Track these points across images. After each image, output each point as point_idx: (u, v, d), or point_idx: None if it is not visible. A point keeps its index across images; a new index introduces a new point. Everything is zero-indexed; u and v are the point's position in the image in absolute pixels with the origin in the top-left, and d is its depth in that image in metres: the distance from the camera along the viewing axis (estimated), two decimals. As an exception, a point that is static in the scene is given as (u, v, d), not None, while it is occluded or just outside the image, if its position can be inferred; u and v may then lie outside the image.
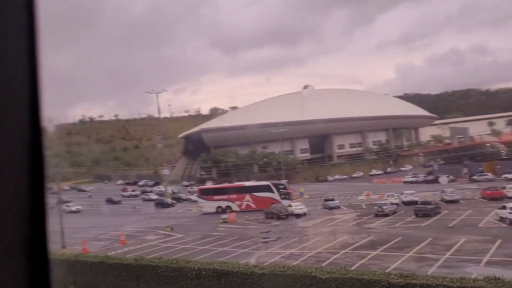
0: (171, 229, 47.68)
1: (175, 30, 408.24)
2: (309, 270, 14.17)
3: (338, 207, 57.37)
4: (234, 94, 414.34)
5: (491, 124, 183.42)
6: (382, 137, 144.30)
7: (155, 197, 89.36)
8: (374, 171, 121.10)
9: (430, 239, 33.36)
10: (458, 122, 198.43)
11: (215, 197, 64.69)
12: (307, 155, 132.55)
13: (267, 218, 54.48)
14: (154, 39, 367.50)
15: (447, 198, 53.15)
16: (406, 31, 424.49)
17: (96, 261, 20.36)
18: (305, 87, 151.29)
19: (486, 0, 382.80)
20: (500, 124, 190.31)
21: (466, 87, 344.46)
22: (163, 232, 49.29)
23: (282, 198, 60.96)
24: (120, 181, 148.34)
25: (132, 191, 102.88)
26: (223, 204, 63.36)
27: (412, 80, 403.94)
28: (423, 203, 46.52)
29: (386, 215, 46.55)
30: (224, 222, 53.23)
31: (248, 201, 62.49)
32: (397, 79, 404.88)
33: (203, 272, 16.04)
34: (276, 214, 53.04)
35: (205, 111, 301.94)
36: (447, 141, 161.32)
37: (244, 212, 60.40)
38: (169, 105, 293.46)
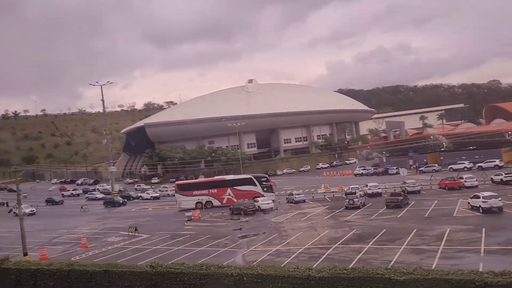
0: (135, 230, 44.55)
1: (105, 22, 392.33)
2: (380, 272, 12.75)
3: (304, 201, 56.79)
4: (167, 89, 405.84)
5: (423, 118, 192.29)
6: (326, 131, 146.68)
7: (101, 196, 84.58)
8: (321, 165, 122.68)
9: (415, 230, 33.32)
10: (393, 116, 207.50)
11: (194, 192, 61.95)
12: (254, 150, 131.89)
13: (233, 214, 52.75)
14: (83, 31, 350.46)
15: (409, 189, 54.23)
16: (336, 29, 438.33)
17: (99, 270, 17.63)
18: (250, 81, 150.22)
19: (410, 1, 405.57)
20: (431, 118, 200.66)
21: (396, 83, 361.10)
22: (124, 233, 46.04)
23: (265, 191, 59.60)
24: (55, 180, 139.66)
25: (73, 190, 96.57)
26: (203, 199, 61.07)
27: (342, 77, 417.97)
28: (393, 194, 46.89)
29: (357, 207, 46.47)
30: (189, 220, 50.83)
31: (229, 195, 60.44)
32: (328, 75, 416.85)
33: (245, 278, 14.13)
34: (243, 210, 51.43)
35: (139, 106, 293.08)
36: (384, 134, 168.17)
37: (223, 207, 58.43)
38: (102, 100, 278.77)
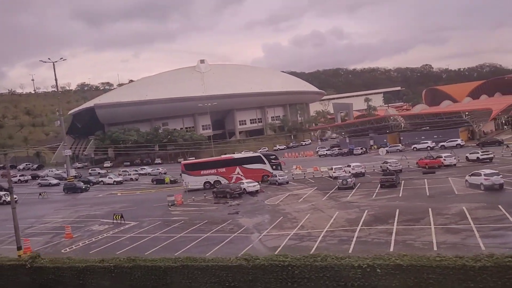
0: (121, 217, 41.07)
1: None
2: (460, 261, 11.36)
3: (287, 182, 55.46)
4: (99, 69, 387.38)
5: (367, 100, 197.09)
6: (280, 112, 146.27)
7: (55, 181, 78.59)
8: (278, 146, 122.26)
9: (430, 209, 32.94)
10: (338, 98, 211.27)
11: (202, 172, 59.65)
12: (209, 132, 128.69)
13: (217, 197, 50.37)
14: (5, 5, 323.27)
15: (391, 168, 54.49)
16: (273, 12, 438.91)
17: (175, 265, 14.87)
18: (201, 61, 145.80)
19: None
20: (374, 101, 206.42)
21: (335, 67, 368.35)
22: (108, 220, 42.41)
23: (274, 169, 58.89)
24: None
25: (21, 176, 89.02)
26: (211, 178, 58.81)
27: (278, 59, 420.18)
28: (386, 174, 46.66)
29: (351, 188, 45.78)
30: (172, 205, 47.85)
31: (238, 174, 58.51)
32: (265, 58, 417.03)
33: (378, 270, 12.17)
34: (228, 193, 49.19)
35: (72, 86, 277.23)
36: (331, 116, 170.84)
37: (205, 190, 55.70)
38: (32, 80, 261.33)
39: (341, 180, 46.24)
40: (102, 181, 73.84)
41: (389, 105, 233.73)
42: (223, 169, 59.55)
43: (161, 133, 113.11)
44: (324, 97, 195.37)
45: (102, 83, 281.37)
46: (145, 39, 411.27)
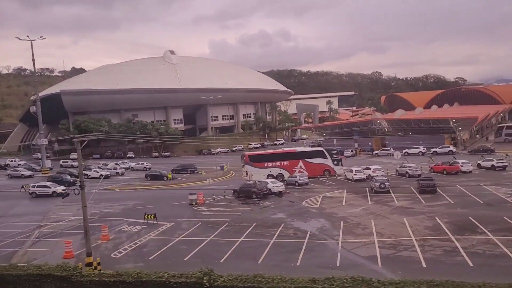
0: (154, 217, 36.69)
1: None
2: None
3: (307, 183, 52.83)
4: (34, 53, 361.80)
5: (329, 102, 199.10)
6: (251, 110, 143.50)
7: (28, 173, 71.27)
8: (253, 144, 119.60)
9: (504, 217, 31.74)
10: (301, 98, 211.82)
11: (266, 164, 57.87)
12: (181, 126, 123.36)
13: (239, 197, 46.81)
14: None
15: (411, 172, 53.51)
16: (222, 8, 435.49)
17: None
18: (171, 52, 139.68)
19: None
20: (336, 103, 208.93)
21: (280, 68, 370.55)
22: (135, 220, 37.82)
23: (335, 164, 58.50)
24: None
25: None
26: (275, 171, 57.12)
27: (225, 57, 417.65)
28: (424, 178, 45.18)
29: (387, 191, 44.02)
30: (195, 204, 43.82)
31: (300, 167, 57.39)
32: (211, 55, 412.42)
33: None
34: (255, 193, 45.82)
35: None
36: (294, 116, 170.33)
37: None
38: (32, 59, 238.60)
39: (378, 184, 44.27)
40: (86, 174, 67.20)
41: (353, 109, 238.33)
42: (287, 162, 58.23)
43: (134, 125, 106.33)
44: (296, 97, 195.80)
45: (42, 69, 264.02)
46: (85, 26, 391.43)
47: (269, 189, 47.00)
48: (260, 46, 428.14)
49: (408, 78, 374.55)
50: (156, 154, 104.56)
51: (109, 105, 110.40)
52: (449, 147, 78.18)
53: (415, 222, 32.43)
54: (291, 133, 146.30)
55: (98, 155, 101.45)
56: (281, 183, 48.77)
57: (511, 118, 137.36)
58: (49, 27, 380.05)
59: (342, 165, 59.71)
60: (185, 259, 26.87)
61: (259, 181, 48.32)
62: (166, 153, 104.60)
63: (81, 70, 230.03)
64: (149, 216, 36.78)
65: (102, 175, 66.34)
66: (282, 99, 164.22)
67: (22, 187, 57.03)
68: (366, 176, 53.06)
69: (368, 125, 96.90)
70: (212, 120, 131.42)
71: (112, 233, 33.76)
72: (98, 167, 73.03)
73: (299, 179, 52.51)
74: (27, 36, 71.88)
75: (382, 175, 50.58)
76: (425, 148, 79.70)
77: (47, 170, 72.82)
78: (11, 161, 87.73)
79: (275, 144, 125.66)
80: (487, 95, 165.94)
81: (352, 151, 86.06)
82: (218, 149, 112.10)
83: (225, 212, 40.21)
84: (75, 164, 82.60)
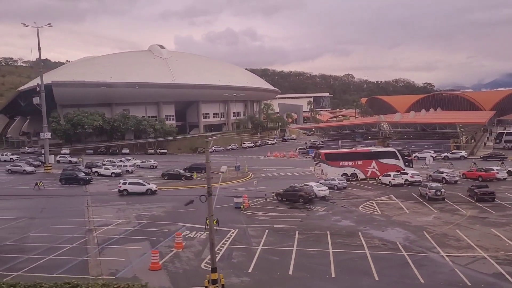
0: (217, 222, 33.92)
1: None
2: None
3: (345, 187, 51.08)
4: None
5: (310, 103, 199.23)
6: (240, 108, 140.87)
7: (30, 168, 66.49)
8: (247, 144, 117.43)
9: None
10: (284, 98, 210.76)
11: (341, 163, 56.95)
12: (172, 123, 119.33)
13: (282, 200, 44.45)
14: None
15: (448, 179, 52.66)
16: (191, 4, 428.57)
17: None
18: (161, 46, 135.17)
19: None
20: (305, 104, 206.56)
21: (247, 66, 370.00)
22: (194, 225, 34.91)
23: (406, 166, 57.47)
24: None
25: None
26: (349, 170, 57.01)
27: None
28: (480, 186, 44.08)
29: (443, 199, 42.76)
30: (243, 208, 41.21)
31: (373, 168, 56.81)
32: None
33: None
34: (302, 197, 43.63)
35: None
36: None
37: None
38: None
39: (433, 191, 42.91)
40: (96, 172, 63.03)
41: (330, 110, 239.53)
42: (360, 162, 57.56)
43: (130, 120, 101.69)
44: (281, 96, 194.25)
45: (5, 58, 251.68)
46: (49, 16, 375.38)
47: (315, 193, 44.96)
48: (227, 44, 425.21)
49: (379, 82, 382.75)
50: (152, 151, 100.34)
51: (101, 98, 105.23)
52: (460, 152, 78.44)
53: (507, 234, 31.09)
54: (280, 133, 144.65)
55: (92, 151, 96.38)
56: (326, 187, 46.75)
57: (499, 125, 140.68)
58: (10, 15, 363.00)
59: (412, 167, 58.85)
60: (290, 273, 24.45)
61: (305, 184, 46.16)
62: (162, 151, 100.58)
63: (48, 61, 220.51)
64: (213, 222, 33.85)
65: (114, 173, 62.44)
66: (269, 98, 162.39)
67: (36, 184, 52.46)
68: (404, 181, 51.93)
69: (373, 128, 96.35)
70: (203, 117, 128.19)
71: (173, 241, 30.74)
72: (106, 164, 68.72)
73: (338, 183, 50.67)
74: (34, 22, 66.82)
75: (437, 182, 49.22)
76: (436, 153, 79.59)
77: (50, 166, 67.90)
78: (2, 154, 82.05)
79: (267, 144, 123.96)
80: (468, 101, 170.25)
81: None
82: (213, 148, 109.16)
83: (282, 218, 37.75)
84: (73, 159, 78.11)
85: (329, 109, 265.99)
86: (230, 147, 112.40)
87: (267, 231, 33.19)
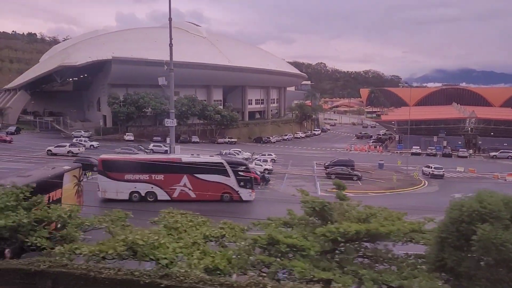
0: None
1: None
2: None
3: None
4: None
5: (311, 92, 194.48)
6: (275, 95, 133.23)
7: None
8: (300, 133, 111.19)
9: None
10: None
11: (129, 176, 38.47)
12: (219, 108, 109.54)
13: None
14: None
15: None
16: None
17: None
18: (196, 24, 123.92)
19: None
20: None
21: None
22: None
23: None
24: None
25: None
26: (143, 188, 38.44)
27: None
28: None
29: None
30: None
31: (184, 185, 38.99)
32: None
33: None
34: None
35: None
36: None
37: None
38: None
39: None
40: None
41: (326, 99, 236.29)
42: (161, 176, 38.77)
43: (197, 104, 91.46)
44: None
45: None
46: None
47: None
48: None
49: (350, 72, 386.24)
50: (222, 140, 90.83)
51: (153, 79, 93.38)
52: None
53: None
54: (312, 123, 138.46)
55: (159, 137, 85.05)
56: None
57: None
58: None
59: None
60: None
61: None
62: (232, 140, 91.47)
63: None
64: None
65: (267, 170, 54.06)
66: (298, 84, 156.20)
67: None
68: None
69: (459, 123, 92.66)
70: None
71: None
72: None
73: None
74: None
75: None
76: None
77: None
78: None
79: (314, 135, 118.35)
80: (479, 96, 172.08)
81: (462, 151, 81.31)
82: (274, 137, 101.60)
83: None
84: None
85: (325, 98, 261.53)
86: (286, 137, 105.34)
87: None
